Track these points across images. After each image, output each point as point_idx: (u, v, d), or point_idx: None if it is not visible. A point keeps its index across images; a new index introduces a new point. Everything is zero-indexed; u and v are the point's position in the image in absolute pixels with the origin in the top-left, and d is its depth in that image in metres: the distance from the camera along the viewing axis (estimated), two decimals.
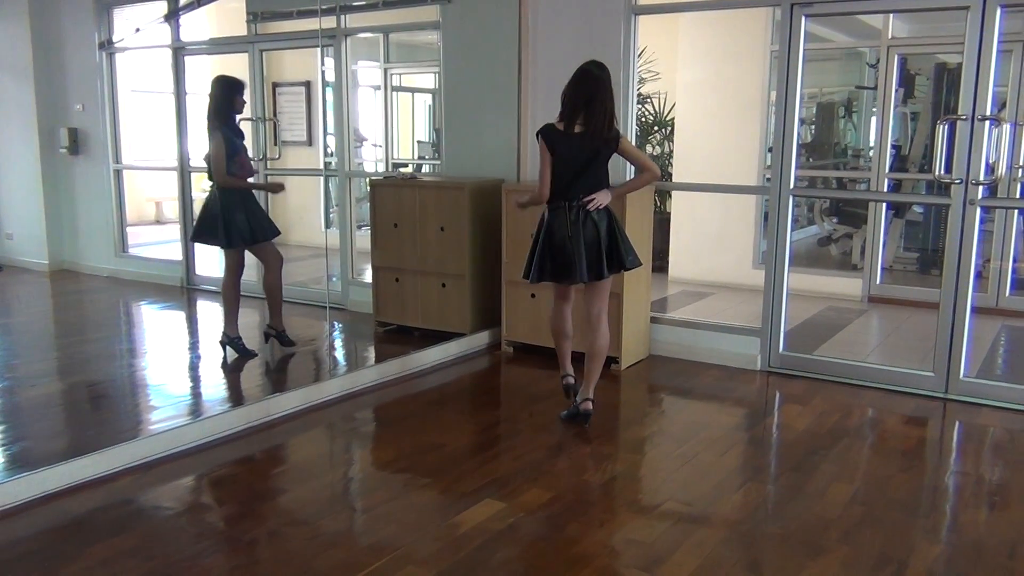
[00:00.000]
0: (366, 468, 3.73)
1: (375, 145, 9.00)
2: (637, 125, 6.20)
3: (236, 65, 7.16)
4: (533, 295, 4.97)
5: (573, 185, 3.77)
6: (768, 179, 5.20)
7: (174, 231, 7.52)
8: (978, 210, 4.25)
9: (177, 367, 5.17)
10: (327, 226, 6.70)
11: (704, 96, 7.32)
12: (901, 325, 6.22)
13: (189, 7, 6.96)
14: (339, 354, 5.66)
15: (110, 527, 2.95)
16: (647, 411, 4.50)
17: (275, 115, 7.87)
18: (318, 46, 7.28)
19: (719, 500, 3.21)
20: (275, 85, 8.48)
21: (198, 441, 3.67)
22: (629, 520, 3.07)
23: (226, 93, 4.92)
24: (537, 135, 3.79)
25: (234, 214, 4.82)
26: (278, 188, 5.47)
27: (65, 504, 3.10)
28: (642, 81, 7.48)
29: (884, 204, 6.95)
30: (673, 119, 7.86)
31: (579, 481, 3.35)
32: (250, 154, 6.52)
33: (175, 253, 7.34)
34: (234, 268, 5.02)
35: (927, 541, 2.91)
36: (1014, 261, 6.49)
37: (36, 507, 3.07)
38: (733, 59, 7.17)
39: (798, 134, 4.76)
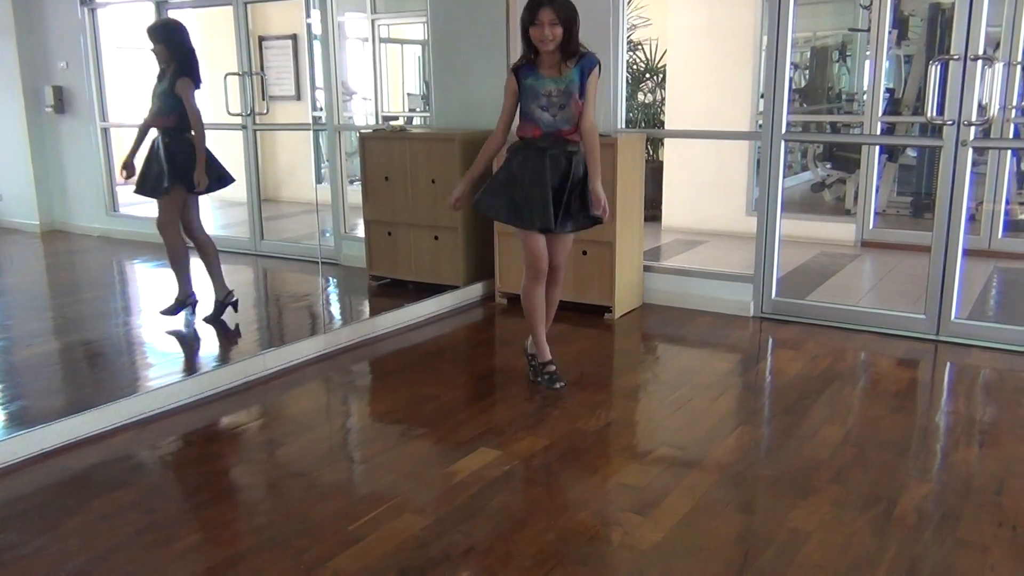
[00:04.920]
0: (362, 420, 3.77)
1: (364, 98, 8.91)
2: (628, 73, 6.13)
3: (221, 19, 7.06)
4: None
5: None
6: (760, 125, 5.17)
7: None
8: (970, 151, 4.24)
9: (172, 324, 5.17)
10: (318, 181, 6.67)
11: (696, 42, 7.25)
12: (894, 269, 6.24)
13: None
14: (334, 309, 5.67)
15: (110, 482, 2.98)
16: (640, 359, 4.53)
17: (262, 69, 7.76)
18: None
19: (712, 444, 3.25)
20: (261, 39, 8.35)
21: (195, 396, 3.69)
22: (623, 465, 3.10)
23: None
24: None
25: None
26: None
27: (64, 460, 3.13)
28: (633, 28, 7.39)
29: (877, 148, 6.93)
30: (664, 66, 7.78)
31: (573, 429, 3.38)
32: (238, 110, 6.47)
33: None
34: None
35: (917, 479, 2.96)
36: (1006, 203, 6.49)
37: (35, 464, 3.09)
38: (725, 4, 7.08)
39: (790, 79, 4.72)
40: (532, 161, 3.50)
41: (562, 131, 3.47)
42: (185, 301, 4.81)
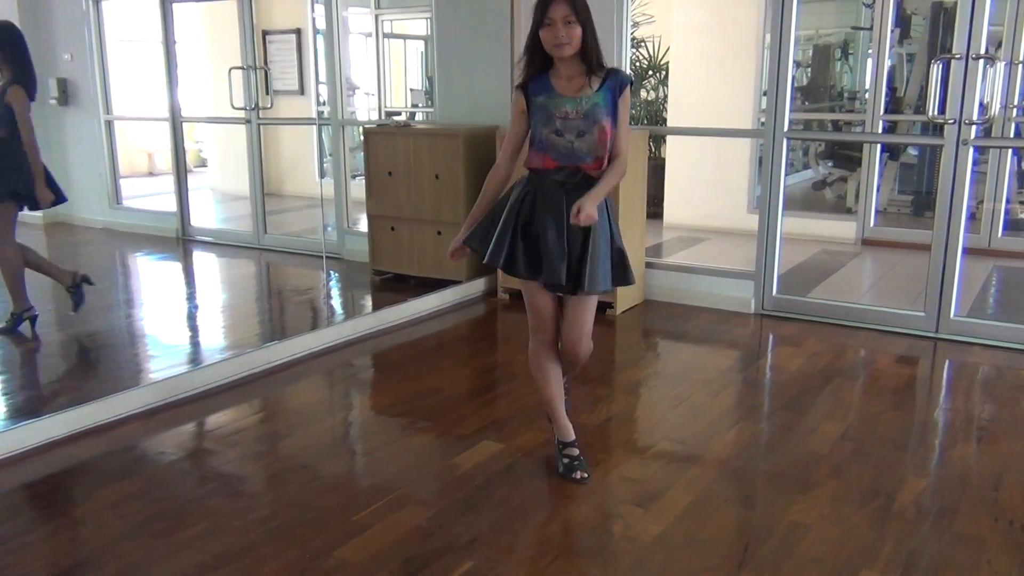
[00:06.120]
0: (365, 413, 3.79)
1: (367, 94, 8.93)
2: (631, 70, 6.15)
3: (225, 12, 7.07)
4: None
5: None
6: (763, 123, 5.18)
7: (168, 182, 7.50)
8: (971, 150, 4.26)
9: (176, 317, 5.21)
10: (321, 176, 6.69)
11: (699, 39, 7.26)
12: (894, 267, 6.27)
13: None
14: (336, 303, 5.69)
15: (116, 471, 3.01)
16: (642, 354, 4.55)
17: (266, 64, 7.79)
18: None
19: (712, 439, 3.28)
20: (265, 33, 8.39)
21: (200, 388, 3.72)
22: (624, 459, 3.13)
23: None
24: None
25: None
26: None
27: (71, 450, 3.16)
28: (636, 25, 7.41)
29: (879, 146, 6.95)
30: (667, 63, 7.80)
31: (575, 423, 3.37)
32: (242, 104, 6.50)
33: (169, 204, 7.33)
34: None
35: (915, 474, 2.99)
36: (1007, 202, 6.51)
37: (43, 453, 3.13)
38: (728, 1, 7.09)
39: (793, 77, 4.74)
40: (546, 195, 2.73)
41: (582, 164, 2.70)
42: (22, 315, 4.57)
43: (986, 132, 4.53)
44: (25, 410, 3.60)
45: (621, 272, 2.78)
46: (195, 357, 4.41)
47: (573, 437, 3.02)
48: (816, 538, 2.53)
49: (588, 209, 2.58)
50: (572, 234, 2.69)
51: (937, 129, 4.35)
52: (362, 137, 5.68)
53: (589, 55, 2.69)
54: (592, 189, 2.66)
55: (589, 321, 2.86)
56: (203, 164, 10.19)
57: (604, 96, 2.71)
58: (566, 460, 2.98)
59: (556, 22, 2.63)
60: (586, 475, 2.93)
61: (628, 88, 2.76)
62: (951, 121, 4.23)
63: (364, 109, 8.97)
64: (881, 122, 6.93)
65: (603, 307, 4.89)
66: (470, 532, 2.56)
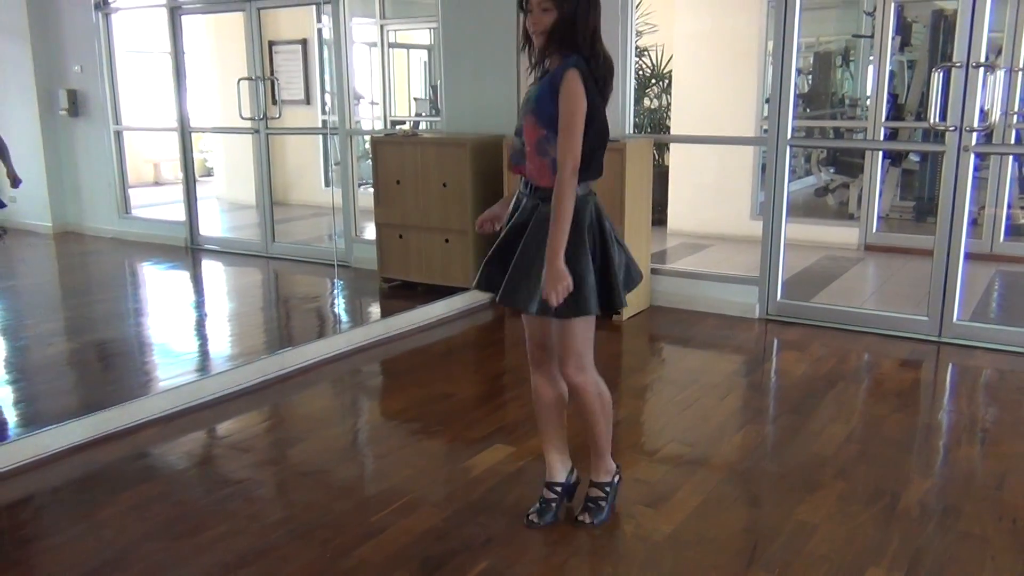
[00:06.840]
0: (377, 418, 3.85)
1: (372, 103, 9.01)
2: (635, 78, 6.22)
3: (232, 24, 7.16)
4: None
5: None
6: (766, 130, 5.25)
7: (174, 192, 7.57)
8: (972, 157, 4.32)
9: (187, 325, 5.27)
10: (327, 184, 6.75)
11: (702, 48, 7.33)
12: (897, 272, 6.32)
13: None
14: (346, 310, 5.75)
15: (137, 475, 3.08)
16: (648, 359, 4.61)
17: (272, 74, 7.86)
18: (314, 3, 7.26)
19: (720, 442, 3.34)
20: (271, 44, 8.47)
21: (215, 394, 3.78)
22: (634, 462, 3.18)
23: None
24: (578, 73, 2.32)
25: None
26: None
27: (92, 455, 3.22)
28: (639, 34, 7.48)
29: (881, 153, 7.01)
30: (671, 72, 7.87)
31: (584, 426, 3.46)
32: (249, 114, 6.57)
33: (178, 214, 7.40)
34: None
35: (919, 475, 3.05)
36: (1008, 208, 6.57)
37: (65, 458, 3.19)
38: (730, 9, 7.16)
39: (795, 84, 4.81)
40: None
41: (521, 167, 2.53)
42: None
43: (987, 139, 4.59)
44: (46, 416, 3.65)
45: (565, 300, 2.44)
46: (207, 365, 4.47)
47: (557, 478, 2.71)
48: (823, 537, 2.59)
49: (556, 273, 2.40)
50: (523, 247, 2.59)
51: (938, 136, 4.41)
52: (368, 146, 5.75)
53: (555, 43, 2.34)
54: (549, 244, 2.42)
55: (563, 342, 2.59)
56: (209, 173, 10.27)
57: (540, 89, 2.38)
58: (539, 502, 2.69)
59: (533, 8, 2.36)
60: (541, 518, 2.65)
61: (567, 77, 2.29)
62: (952, 128, 4.30)
63: (369, 118, 9.04)
64: (883, 129, 7.00)
65: (610, 314, 4.94)
66: (485, 532, 2.62)
